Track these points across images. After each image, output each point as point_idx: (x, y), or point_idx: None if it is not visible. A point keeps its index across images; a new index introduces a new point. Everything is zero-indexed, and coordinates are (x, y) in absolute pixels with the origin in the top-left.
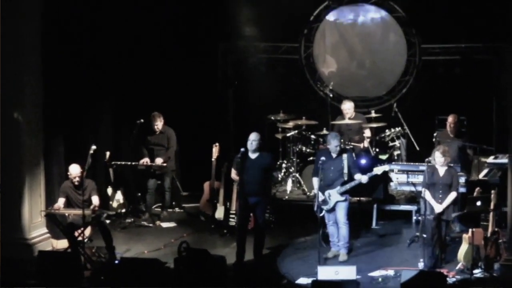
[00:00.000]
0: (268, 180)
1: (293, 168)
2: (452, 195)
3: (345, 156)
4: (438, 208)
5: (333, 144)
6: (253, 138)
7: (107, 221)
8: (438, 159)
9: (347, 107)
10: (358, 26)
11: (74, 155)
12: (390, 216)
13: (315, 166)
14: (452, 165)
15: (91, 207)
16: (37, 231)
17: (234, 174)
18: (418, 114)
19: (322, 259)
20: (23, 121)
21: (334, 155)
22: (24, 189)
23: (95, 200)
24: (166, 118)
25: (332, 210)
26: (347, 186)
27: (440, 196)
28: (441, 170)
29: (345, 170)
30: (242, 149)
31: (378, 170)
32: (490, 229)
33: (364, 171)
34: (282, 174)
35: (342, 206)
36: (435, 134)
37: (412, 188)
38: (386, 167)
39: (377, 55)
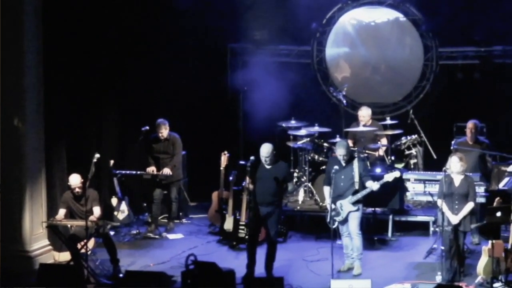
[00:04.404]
0: (282, 191)
1: (305, 178)
2: (469, 205)
3: (355, 164)
4: (454, 219)
5: (339, 153)
6: (265, 155)
7: (111, 233)
8: (455, 165)
9: (363, 113)
10: (372, 29)
11: (77, 163)
12: (407, 227)
13: (327, 174)
14: (469, 174)
15: (90, 218)
16: (38, 243)
17: (248, 183)
18: (436, 121)
19: (335, 272)
20: (24, 128)
21: (343, 164)
22: (25, 199)
23: (97, 211)
24: (172, 125)
25: (345, 221)
26: (359, 195)
27: (456, 206)
28: (457, 180)
29: (356, 179)
30: (252, 157)
31: (388, 177)
32: (510, 241)
33: (379, 180)
34: (294, 183)
35: (355, 216)
36: (453, 142)
37: (429, 198)
38: (397, 174)
39: (393, 60)
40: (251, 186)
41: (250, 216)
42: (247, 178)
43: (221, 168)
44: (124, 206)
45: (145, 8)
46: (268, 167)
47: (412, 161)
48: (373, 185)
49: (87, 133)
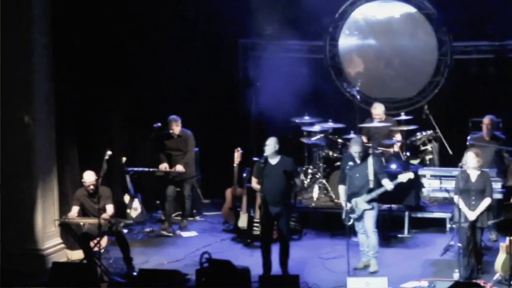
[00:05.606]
0: (291, 187)
1: (319, 174)
2: (486, 201)
3: (370, 161)
4: (471, 215)
5: (353, 150)
6: (267, 143)
7: (125, 231)
8: (471, 160)
9: (377, 112)
10: (386, 23)
11: (89, 161)
12: (423, 224)
13: (342, 173)
14: (485, 169)
15: (103, 216)
16: (51, 242)
17: (254, 183)
18: (451, 116)
19: (351, 270)
20: (35, 126)
21: (358, 161)
22: (37, 197)
23: (110, 209)
24: (184, 121)
25: (361, 218)
26: (373, 194)
27: (473, 202)
28: (474, 175)
29: (371, 177)
30: (265, 154)
31: (402, 177)
32: None
33: (394, 177)
34: (308, 180)
35: (370, 215)
36: (468, 138)
37: (446, 194)
38: (411, 175)
39: (406, 54)
40: (258, 186)
41: (260, 215)
42: (253, 178)
43: (235, 165)
44: (136, 204)
45: (155, 3)
46: (273, 163)
47: (428, 157)
48: (387, 185)
49: (98, 130)
